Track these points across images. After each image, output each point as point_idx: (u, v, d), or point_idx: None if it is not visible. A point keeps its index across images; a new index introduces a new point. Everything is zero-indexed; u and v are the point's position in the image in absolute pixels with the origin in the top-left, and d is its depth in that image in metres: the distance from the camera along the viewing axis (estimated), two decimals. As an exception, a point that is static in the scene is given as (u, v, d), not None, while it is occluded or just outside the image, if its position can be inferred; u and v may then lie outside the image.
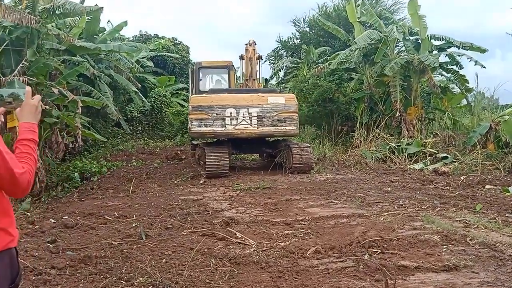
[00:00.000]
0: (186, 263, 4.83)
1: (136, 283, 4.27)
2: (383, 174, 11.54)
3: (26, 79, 11.70)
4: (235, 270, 4.67)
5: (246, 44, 13.51)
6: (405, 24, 18.31)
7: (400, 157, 13.55)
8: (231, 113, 10.81)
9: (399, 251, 5.16)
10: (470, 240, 5.45)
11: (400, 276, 4.44)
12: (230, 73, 14.22)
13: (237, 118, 10.83)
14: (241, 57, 13.78)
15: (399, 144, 14.30)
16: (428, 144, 14.24)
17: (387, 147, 14.22)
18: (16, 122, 11.91)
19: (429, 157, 13.34)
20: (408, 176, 11.12)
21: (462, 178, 10.52)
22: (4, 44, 12.39)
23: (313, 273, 4.59)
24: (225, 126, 10.81)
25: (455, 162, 12.69)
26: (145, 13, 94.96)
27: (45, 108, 12.53)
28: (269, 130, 11.04)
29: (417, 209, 7.37)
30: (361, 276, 4.48)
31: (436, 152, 13.69)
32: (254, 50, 13.14)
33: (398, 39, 16.20)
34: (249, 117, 10.84)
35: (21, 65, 12.15)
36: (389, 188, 9.35)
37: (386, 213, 7.01)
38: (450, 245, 5.30)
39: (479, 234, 5.72)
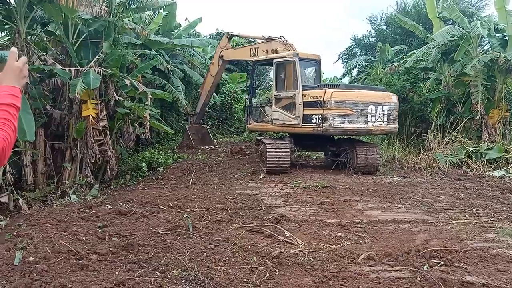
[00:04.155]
0: (227, 258, 4.61)
1: (169, 276, 4.11)
2: (457, 179, 10.62)
3: (101, 70, 12.21)
4: (276, 270, 4.35)
5: (275, 38, 12.87)
6: (490, 20, 16.79)
7: (478, 163, 12.41)
8: (371, 109, 10.71)
9: (466, 264, 4.56)
10: (553, 258, 4.69)
11: (463, 293, 3.90)
12: (320, 67, 13.20)
13: (375, 115, 10.77)
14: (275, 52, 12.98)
15: (477, 148, 13.13)
16: (512, 150, 12.90)
17: (464, 151, 13.11)
18: (90, 111, 12.54)
19: (512, 164, 12.10)
20: (485, 183, 10.13)
21: (549, 188, 9.36)
22: (83, 36, 13.01)
23: (361, 281, 4.16)
24: (367, 123, 10.65)
25: (543, 171, 11.38)
26: (224, 12, 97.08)
27: (119, 99, 13.05)
28: (392, 127, 11.21)
29: (492, 219, 6.59)
30: (417, 289, 3.99)
31: (521, 159, 12.38)
32: (291, 45, 12.54)
33: (482, 35, 14.88)
34: (383, 115, 10.88)
35: (97, 57, 12.69)
36: (462, 195, 8.52)
37: (455, 222, 6.33)
38: (528, 263, 4.61)
39: None
